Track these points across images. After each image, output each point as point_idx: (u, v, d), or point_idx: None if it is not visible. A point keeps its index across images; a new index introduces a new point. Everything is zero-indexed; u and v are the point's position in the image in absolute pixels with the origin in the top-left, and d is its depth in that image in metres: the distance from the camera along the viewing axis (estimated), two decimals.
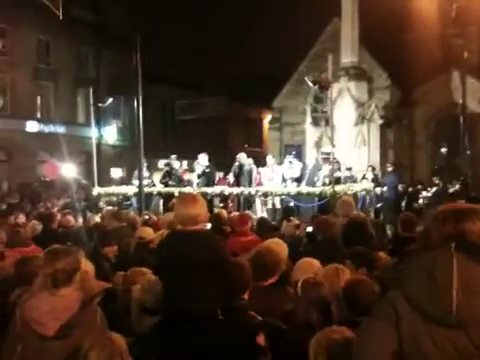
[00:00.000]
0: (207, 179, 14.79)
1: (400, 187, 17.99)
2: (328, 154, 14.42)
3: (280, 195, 14.20)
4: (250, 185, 14.47)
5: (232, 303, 3.71)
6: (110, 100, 18.27)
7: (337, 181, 13.69)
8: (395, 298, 1.98)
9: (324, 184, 14.02)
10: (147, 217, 9.64)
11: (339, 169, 15.04)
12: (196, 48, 40.81)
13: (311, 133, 22.54)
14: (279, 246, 4.48)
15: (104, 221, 9.18)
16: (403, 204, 18.00)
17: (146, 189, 14.46)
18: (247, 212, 10.21)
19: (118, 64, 28.45)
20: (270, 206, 14.90)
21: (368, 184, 15.01)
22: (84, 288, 3.05)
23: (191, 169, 16.64)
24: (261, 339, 3.28)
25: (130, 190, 15.52)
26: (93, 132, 17.53)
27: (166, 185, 15.55)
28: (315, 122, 22.68)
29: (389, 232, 9.34)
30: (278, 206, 14.61)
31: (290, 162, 15.51)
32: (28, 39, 28.10)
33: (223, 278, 3.73)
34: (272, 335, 3.30)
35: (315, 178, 14.57)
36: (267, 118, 35.80)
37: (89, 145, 17.90)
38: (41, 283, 3.04)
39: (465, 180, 16.51)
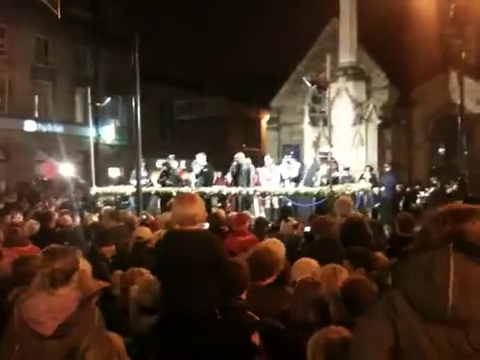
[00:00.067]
0: (205, 179, 14.78)
1: (398, 187, 18.04)
2: (326, 154, 14.44)
3: (278, 195, 14.20)
4: (248, 185, 14.48)
5: (230, 303, 3.71)
6: (108, 99, 18.27)
7: (335, 181, 13.71)
8: (394, 297, 1.99)
9: (322, 184, 14.03)
10: (145, 217, 9.63)
11: (337, 169, 15.06)
12: (195, 48, 40.85)
13: (309, 133, 22.55)
14: (277, 246, 4.48)
15: (102, 221, 9.19)
16: (401, 204, 18.04)
17: (144, 189, 14.44)
18: (245, 212, 10.23)
19: (116, 63, 28.40)
20: (268, 206, 14.91)
21: (366, 184, 15.04)
22: (82, 288, 3.05)
23: (189, 169, 16.64)
24: (256, 338, 3.29)
25: (128, 190, 15.51)
26: (91, 131, 17.52)
27: (164, 185, 15.55)
28: (313, 122, 22.69)
29: (387, 232, 9.34)
30: (276, 206, 14.62)
31: (288, 162, 15.52)
32: (26, 38, 28.05)
33: (221, 278, 3.73)
34: (270, 335, 3.31)
35: (313, 178, 14.58)
36: (265, 118, 35.80)
37: (87, 144, 17.89)
38: (39, 283, 3.04)
39: (463, 180, 16.52)
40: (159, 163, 16.86)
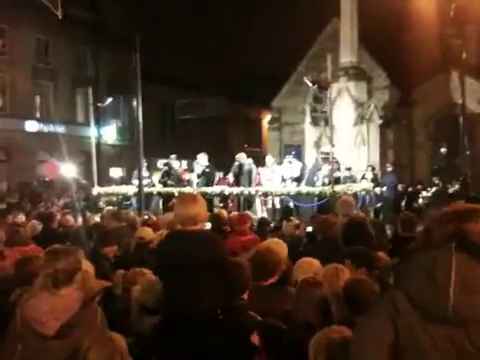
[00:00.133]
0: (207, 179, 14.79)
1: (400, 187, 18.00)
2: (327, 154, 14.45)
3: (280, 195, 14.20)
4: (250, 185, 14.48)
5: (232, 303, 3.71)
6: (109, 100, 18.29)
7: (336, 181, 13.70)
8: (396, 297, 1.99)
9: (324, 184, 14.03)
10: (147, 217, 9.65)
11: (338, 169, 15.06)
12: (196, 48, 40.91)
13: (310, 133, 22.56)
14: (279, 246, 4.47)
15: (104, 221, 9.17)
16: (403, 204, 18.01)
17: (146, 189, 14.46)
18: (247, 212, 10.23)
19: (117, 63, 28.46)
20: (270, 206, 14.91)
21: (368, 184, 15.02)
22: (84, 288, 3.05)
23: (191, 169, 16.64)
24: (255, 338, 3.29)
25: (130, 190, 15.52)
26: (92, 132, 17.54)
27: (165, 185, 15.56)
28: (314, 122, 22.70)
29: (389, 232, 9.34)
30: (278, 206, 14.62)
31: (290, 162, 15.52)
32: (27, 39, 28.06)
33: (223, 278, 3.73)
34: (272, 335, 3.30)
35: (314, 178, 14.58)
36: (266, 118, 35.80)
37: (88, 145, 17.91)
38: (41, 283, 3.04)
39: (465, 180, 16.52)
40: (160, 163, 16.88)
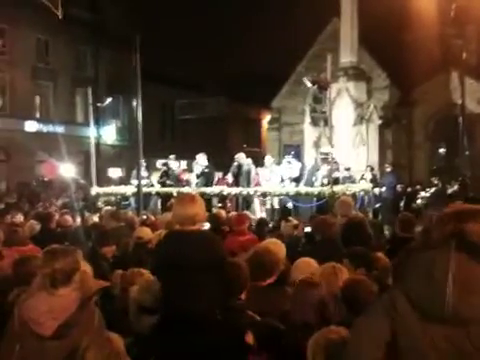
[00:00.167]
0: (206, 179, 14.78)
1: (398, 187, 18.02)
2: (327, 154, 14.43)
3: (278, 195, 14.20)
4: (249, 185, 14.48)
5: (229, 303, 3.71)
6: (109, 100, 18.30)
7: (336, 181, 13.70)
8: (396, 297, 1.99)
9: (323, 184, 14.02)
10: (145, 217, 9.64)
11: (338, 169, 15.05)
12: (195, 48, 40.93)
13: (310, 133, 22.53)
14: (277, 246, 4.47)
15: (102, 221, 9.18)
16: (401, 204, 18.02)
17: (145, 189, 14.46)
18: (245, 212, 10.23)
19: (117, 63, 28.47)
20: (268, 206, 14.91)
21: (366, 184, 15.04)
22: (83, 288, 3.04)
23: (190, 169, 16.63)
24: (250, 338, 3.28)
25: (128, 190, 15.52)
26: (92, 132, 17.53)
27: (163, 185, 15.56)
28: (314, 122, 22.65)
29: (387, 232, 9.35)
30: (276, 206, 14.62)
31: (289, 162, 15.52)
32: (27, 39, 28.07)
33: (221, 278, 3.73)
34: (270, 335, 3.30)
35: (313, 178, 14.57)
36: (266, 118, 35.81)
37: (88, 145, 17.91)
38: (39, 283, 3.04)
39: (464, 181, 16.49)
40: (160, 163, 16.87)
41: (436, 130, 27.09)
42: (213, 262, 3.74)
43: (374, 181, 16.35)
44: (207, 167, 14.88)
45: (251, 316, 3.61)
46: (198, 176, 15.02)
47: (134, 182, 15.02)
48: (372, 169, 17.45)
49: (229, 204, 14.88)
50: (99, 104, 18.38)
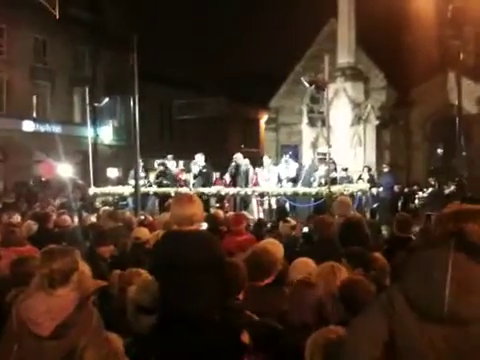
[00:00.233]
0: (204, 179, 14.79)
1: (396, 188, 18.03)
2: (324, 154, 14.42)
3: (276, 195, 14.21)
4: (246, 185, 14.49)
5: (227, 303, 3.71)
6: (106, 100, 18.22)
7: (333, 182, 13.70)
8: (395, 296, 2.00)
9: (320, 184, 14.02)
10: (143, 217, 9.63)
11: (335, 169, 15.05)
12: (195, 48, 40.92)
13: (307, 133, 22.56)
14: (275, 246, 4.48)
15: (100, 221, 9.17)
16: (399, 205, 18.04)
17: (142, 189, 14.44)
18: (243, 212, 10.23)
19: (115, 63, 28.41)
20: (266, 206, 14.91)
21: (364, 185, 15.03)
22: (81, 288, 3.04)
23: (188, 169, 16.64)
24: (245, 338, 3.29)
25: (126, 190, 15.51)
26: (89, 132, 17.50)
27: (160, 185, 15.55)
28: (311, 122, 22.69)
29: (385, 232, 9.36)
30: (274, 206, 14.63)
31: (286, 162, 15.53)
32: (25, 38, 28.04)
33: (219, 278, 3.73)
34: (268, 336, 3.30)
35: (311, 178, 14.57)
36: (264, 118, 35.79)
37: (85, 145, 17.86)
38: (37, 283, 3.03)
39: (461, 181, 16.50)
40: (157, 163, 16.87)
41: (433, 131, 27.11)
42: (211, 262, 3.75)
43: (372, 181, 16.36)
44: (205, 167, 14.90)
45: (249, 316, 3.62)
46: (196, 176, 15.02)
47: (132, 182, 15.01)
48: (370, 169, 17.45)
49: (227, 204, 14.89)
50: (96, 104, 18.30)
